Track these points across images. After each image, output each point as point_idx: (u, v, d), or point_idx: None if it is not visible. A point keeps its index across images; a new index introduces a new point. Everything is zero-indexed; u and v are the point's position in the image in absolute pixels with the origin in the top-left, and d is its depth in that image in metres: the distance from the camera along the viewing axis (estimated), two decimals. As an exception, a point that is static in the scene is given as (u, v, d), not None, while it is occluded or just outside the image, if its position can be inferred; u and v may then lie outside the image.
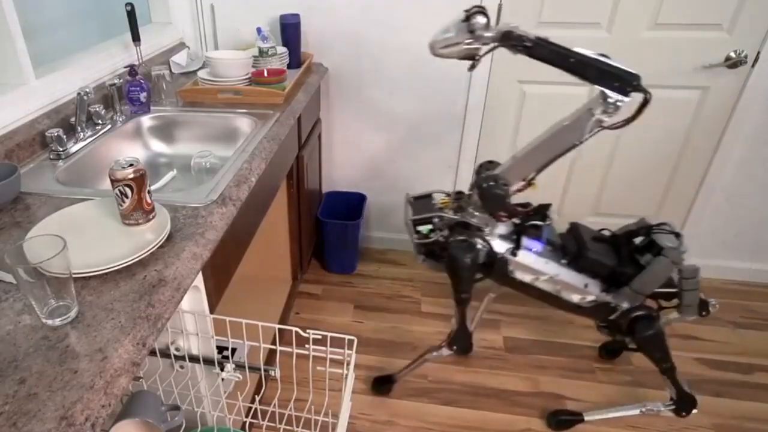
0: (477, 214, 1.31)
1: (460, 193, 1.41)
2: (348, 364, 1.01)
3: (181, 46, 1.93)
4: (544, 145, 1.21)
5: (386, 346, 1.84)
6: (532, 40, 1.08)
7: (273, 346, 1.01)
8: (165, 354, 1.01)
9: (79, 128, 1.25)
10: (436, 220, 1.33)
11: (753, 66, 1.75)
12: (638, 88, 1.06)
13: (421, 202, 1.41)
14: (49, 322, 0.67)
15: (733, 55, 1.74)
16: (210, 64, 1.61)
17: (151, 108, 1.49)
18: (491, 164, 1.37)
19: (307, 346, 0.95)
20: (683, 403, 1.41)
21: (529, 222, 1.32)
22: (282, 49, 1.76)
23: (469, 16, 1.08)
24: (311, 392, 1.16)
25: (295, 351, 0.97)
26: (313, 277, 2.21)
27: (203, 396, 1.09)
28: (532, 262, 1.31)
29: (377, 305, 2.03)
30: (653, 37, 1.77)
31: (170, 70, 1.77)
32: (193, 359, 1.02)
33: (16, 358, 0.62)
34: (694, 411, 1.42)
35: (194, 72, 1.79)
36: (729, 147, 1.90)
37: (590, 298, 1.33)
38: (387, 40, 1.92)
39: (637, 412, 1.47)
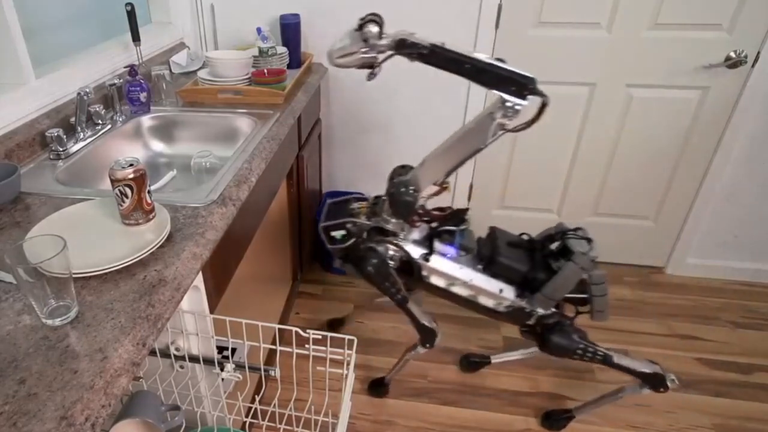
0: (389, 218, 1.31)
1: (378, 198, 1.40)
2: (348, 364, 1.01)
3: (181, 46, 1.93)
4: (451, 149, 1.20)
5: (386, 346, 1.84)
6: (427, 47, 1.07)
7: (273, 346, 1.01)
8: (165, 354, 1.01)
9: (79, 128, 1.25)
10: (349, 225, 1.32)
11: (753, 66, 1.75)
12: (534, 92, 1.06)
13: (338, 207, 1.39)
14: (49, 322, 0.67)
15: (733, 55, 1.74)
16: (210, 64, 1.61)
17: (151, 108, 1.49)
18: (404, 169, 1.36)
19: (307, 346, 0.95)
20: (653, 381, 1.39)
21: (443, 227, 1.32)
22: (282, 49, 1.76)
23: (362, 25, 1.07)
24: (311, 392, 1.16)
25: (295, 351, 0.97)
26: (313, 277, 2.21)
27: (203, 396, 1.09)
28: (446, 267, 1.31)
29: (377, 305, 2.03)
30: (653, 37, 1.77)
31: (170, 70, 1.77)
32: (193, 359, 1.02)
33: (16, 358, 0.62)
34: (672, 383, 1.38)
35: (194, 72, 1.79)
36: (729, 147, 1.90)
37: (506, 303, 1.34)
38: (387, 40, 1.92)
39: (617, 397, 1.45)
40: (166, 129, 1.49)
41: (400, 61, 1.95)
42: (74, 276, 0.69)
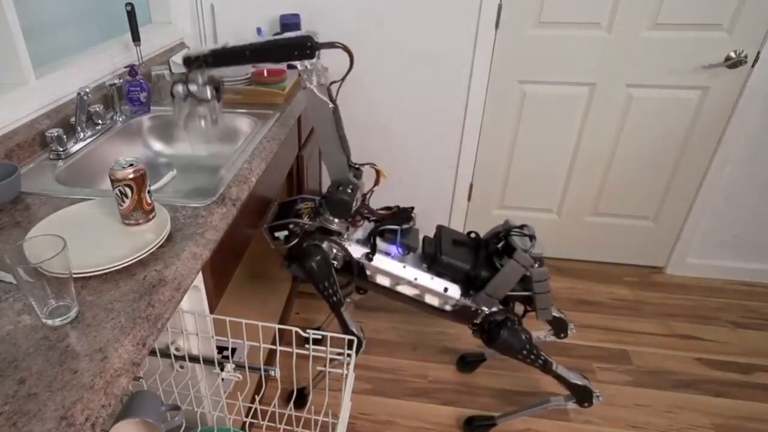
0: (331, 218, 1.30)
1: (323, 198, 1.38)
2: (348, 364, 1.01)
3: (181, 46, 1.93)
4: (321, 134, 1.23)
5: (386, 346, 1.84)
6: (207, 54, 1.12)
7: (273, 346, 1.01)
8: (165, 354, 1.01)
9: (79, 128, 1.25)
10: (291, 226, 1.31)
11: (753, 66, 1.75)
12: (316, 46, 1.11)
13: (285, 207, 1.38)
14: (49, 322, 0.67)
15: (733, 55, 1.74)
16: (210, 64, 1.61)
17: (151, 108, 1.49)
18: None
19: (307, 346, 0.95)
20: (581, 395, 1.39)
21: (384, 226, 1.31)
22: (282, 49, 1.76)
23: (171, 92, 1.16)
24: (311, 392, 1.16)
25: (295, 351, 0.97)
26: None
27: (203, 396, 1.09)
28: (389, 266, 1.31)
29: (377, 305, 2.03)
30: (653, 37, 1.77)
31: (170, 70, 1.77)
32: (193, 359, 1.02)
33: (16, 358, 0.62)
34: (596, 399, 1.38)
35: (194, 72, 1.78)
36: (729, 147, 1.90)
37: (451, 302, 1.33)
38: (387, 40, 1.92)
39: (538, 409, 1.46)
40: (166, 129, 1.49)
41: (400, 60, 1.96)
42: (74, 276, 0.69)
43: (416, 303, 1.36)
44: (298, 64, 1.12)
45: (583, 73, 1.87)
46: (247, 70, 1.63)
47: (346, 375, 1.01)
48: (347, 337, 0.99)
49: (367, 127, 2.12)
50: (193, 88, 1.15)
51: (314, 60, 1.11)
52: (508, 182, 2.16)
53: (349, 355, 1.00)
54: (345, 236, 1.31)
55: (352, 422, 1.55)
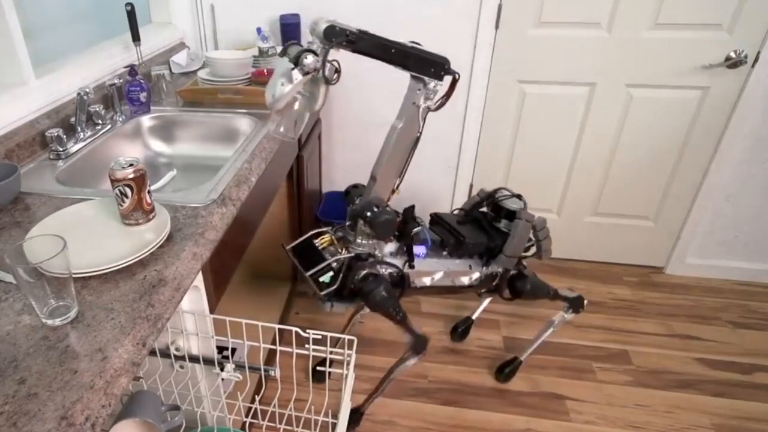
0: (362, 242, 1.29)
1: (335, 226, 1.37)
2: (348, 364, 1.01)
3: (181, 46, 1.93)
4: (395, 153, 1.23)
5: (386, 346, 1.84)
6: (355, 32, 1.04)
7: (273, 346, 1.01)
8: (165, 354, 1.01)
9: (79, 128, 1.25)
10: (334, 264, 1.27)
11: (753, 66, 1.75)
12: (449, 71, 1.13)
13: (306, 251, 1.32)
14: (49, 322, 0.67)
15: (733, 55, 1.74)
16: (210, 64, 1.61)
17: (151, 108, 1.49)
18: (356, 188, 1.37)
19: (307, 346, 0.95)
20: (576, 304, 1.58)
21: (412, 230, 1.33)
22: (282, 49, 1.76)
23: (296, 60, 1.01)
24: (311, 392, 1.16)
25: (295, 351, 0.97)
26: (313, 277, 2.20)
27: (203, 396, 1.09)
28: (426, 266, 1.36)
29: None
30: (653, 37, 1.77)
31: (170, 70, 1.77)
32: (193, 359, 1.02)
33: (16, 358, 0.62)
34: (586, 304, 1.60)
35: (194, 72, 1.79)
36: (729, 147, 1.90)
37: (476, 276, 1.41)
38: (387, 40, 1.92)
39: (550, 331, 1.62)
40: (166, 129, 1.49)
41: (400, 61, 1.96)
42: (74, 276, 0.69)
43: (450, 290, 1.42)
44: (427, 78, 1.12)
45: (583, 73, 1.87)
46: (248, 70, 1.63)
47: (346, 375, 1.01)
48: (347, 337, 0.99)
49: (366, 127, 2.12)
50: (311, 63, 1.00)
51: (442, 83, 1.13)
52: (508, 182, 2.16)
53: (349, 355, 1.00)
54: (379, 255, 1.32)
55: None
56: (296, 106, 1.10)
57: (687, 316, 1.98)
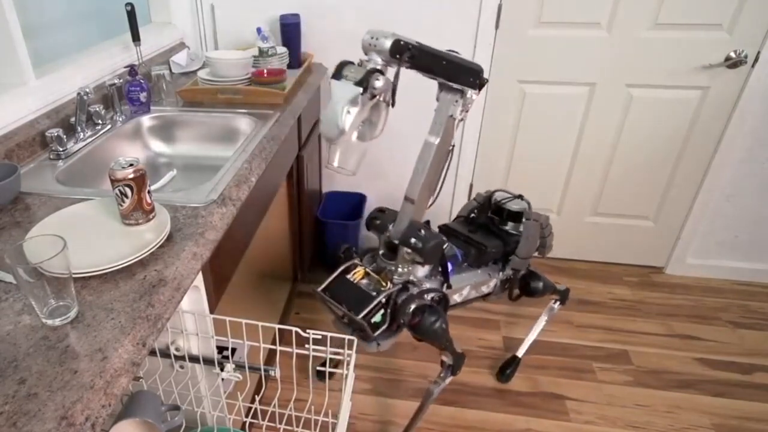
0: (399, 270, 1.23)
1: (366, 255, 1.30)
2: (348, 364, 1.01)
3: (181, 46, 1.93)
4: (431, 169, 1.18)
5: (386, 346, 1.84)
6: (415, 46, 0.95)
7: (273, 346, 1.01)
8: (165, 354, 1.01)
9: (79, 128, 1.25)
10: (383, 300, 1.18)
11: (753, 66, 1.75)
12: (483, 80, 1.10)
13: (345, 291, 1.22)
14: (49, 322, 0.67)
15: (733, 55, 1.74)
16: (210, 64, 1.61)
17: (151, 108, 1.49)
18: (384, 214, 1.29)
19: (307, 346, 0.95)
20: (564, 296, 1.62)
21: (443, 248, 1.30)
22: (282, 49, 1.76)
23: (365, 84, 0.91)
24: (311, 392, 1.16)
25: (295, 351, 0.97)
26: (314, 277, 2.20)
27: (203, 396, 1.09)
28: (458, 282, 1.36)
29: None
30: (653, 37, 1.77)
31: (170, 70, 1.77)
32: (193, 359, 1.02)
33: (16, 358, 0.62)
34: (567, 297, 1.63)
35: (194, 72, 1.79)
36: (729, 147, 1.90)
37: (493, 282, 1.42)
38: (387, 40, 1.92)
39: (545, 320, 1.65)
40: (166, 129, 1.49)
41: (400, 61, 1.96)
42: (74, 276, 0.69)
43: (475, 300, 1.44)
44: (466, 88, 1.08)
45: (583, 73, 1.87)
46: (248, 70, 1.63)
47: (346, 375, 1.01)
48: (347, 337, 0.99)
49: (367, 127, 2.12)
50: (382, 85, 0.90)
51: (477, 92, 1.10)
52: (508, 182, 2.16)
53: (349, 355, 1.00)
54: (417, 281, 1.25)
55: (352, 422, 1.55)
56: (354, 135, 0.98)
57: (687, 316, 1.98)
